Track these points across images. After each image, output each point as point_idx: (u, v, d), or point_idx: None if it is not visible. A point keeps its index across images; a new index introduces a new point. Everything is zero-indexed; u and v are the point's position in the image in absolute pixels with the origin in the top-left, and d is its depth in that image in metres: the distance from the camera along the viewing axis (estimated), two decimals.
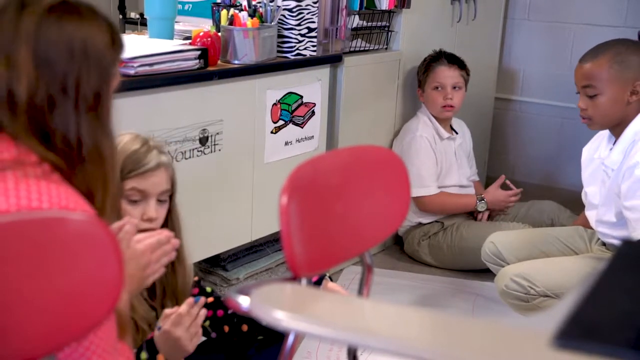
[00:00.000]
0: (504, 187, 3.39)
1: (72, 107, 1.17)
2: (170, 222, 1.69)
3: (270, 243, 3.06)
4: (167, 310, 1.54)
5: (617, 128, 2.42)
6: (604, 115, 2.40)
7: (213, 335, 1.84)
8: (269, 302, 0.92)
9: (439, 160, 3.38)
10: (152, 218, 1.62)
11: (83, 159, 1.18)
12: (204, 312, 1.57)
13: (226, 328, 1.82)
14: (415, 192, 3.22)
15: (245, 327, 1.82)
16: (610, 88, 2.37)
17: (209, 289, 1.86)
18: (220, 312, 1.82)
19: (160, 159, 1.64)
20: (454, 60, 3.36)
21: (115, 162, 1.27)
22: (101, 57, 1.20)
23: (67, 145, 1.17)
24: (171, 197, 1.69)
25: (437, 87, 3.33)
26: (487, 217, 3.40)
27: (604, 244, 2.61)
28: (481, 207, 3.34)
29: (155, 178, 1.63)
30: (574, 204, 3.38)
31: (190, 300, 1.56)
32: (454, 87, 3.34)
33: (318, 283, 1.79)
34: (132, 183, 1.60)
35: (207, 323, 1.82)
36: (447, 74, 3.33)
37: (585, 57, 2.43)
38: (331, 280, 1.87)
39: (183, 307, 1.53)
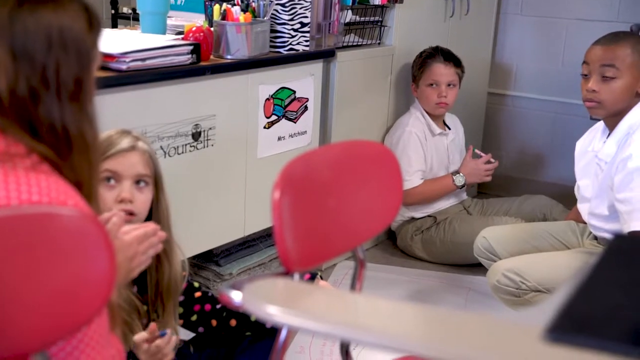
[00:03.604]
0: (476, 157, 3.42)
1: (54, 96, 1.15)
2: (155, 213, 1.68)
3: (263, 238, 3.05)
4: (137, 338, 1.55)
5: (613, 119, 2.42)
6: (615, 100, 2.38)
7: (200, 329, 1.84)
8: (261, 297, 0.92)
9: (430, 156, 3.39)
10: (126, 199, 1.60)
11: (71, 148, 1.17)
12: (174, 339, 1.59)
13: (214, 322, 1.83)
14: None
15: (233, 322, 1.82)
16: (629, 74, 2.36)
17: (196, 284, 1.86)
18: (207, 307, 1.83)
19: (135, 142, 1.64)
20: (450, 58, 3.36)
21: (98, 149, 1.26)
22: (80, 43, 1.18)
23: (54, 136, 1.16)
24: (157, 188, 1.68)
25: (432, 84, 3.34)
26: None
27: (595, 238, 2.62)
28: (459, 180, 3.35)
29: (128, 159, 1.62)
30: (566, 198, 3.39)
31: (153, 325, 1.56)
32: (449, 85, 3.35)
33: (310, 281, 1.79)
34: (105, 165, 1.59)
35: (195, 317, 1.83)
36: (442, 72, 3.33)
37: (605, 40, 2.41)
38: (322, 279, 1.87)
39: (139, 335, 1.54)
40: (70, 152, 1.17)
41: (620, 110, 2.40)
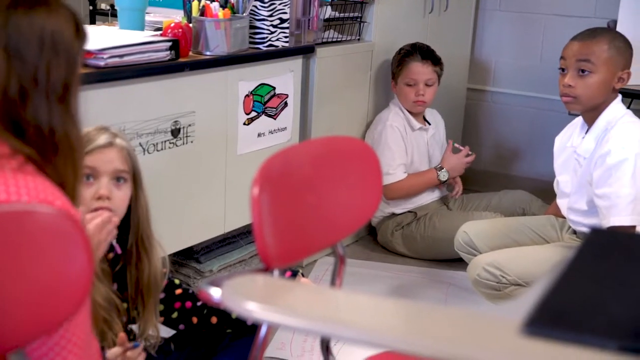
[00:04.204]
0: (456, 151, 3.45)
1: (43, 97, 1.17)
2: (134, 210, 1.67)
3: (244, 235, 3.05)
4: (110, 354, 1.54)
5: (591, 114, 2.44)
6: (591, 95, 2.39)
7: (181, 327, 1.83)
8: (240, 294, 0.92)
9: (410, 151, 3.39)
10: (103, 195, 1.59)
11: (57, 150, 1.18)
12: (143, 355, 1.58)
13: (194, 320, 1.82)
14: (383, 180, 3.22)
15: (214, 320, 1.81)
16: (605, 69, 2.37)
17: (177, 281, 1.86)
18: (188, 304, 1.82)
19: (113, 139, 1.63)
20: (428, 56, 3.36)
21: (82, 152, 1.27)
22: (69, 48, 1.20)
23: (41, 136, 1.17)
24: (136, 184, 1.68)
25: (409, 83, 3.34)
26: (460, 192, 3.47)
27: (574, 232, 2.64)
28: (443, 176, 3.37)
29: (106, 156, 1.61)
30: (545, 193, 3.41)
31: (123, 336, 1.56)
32: (427, 84, 3.35)
33: (292, 279, 1.79)
34: None
35: (175, 315, 1.82)
36: (420, 70, 3.33)
37: (583, 35, 2.42)
38: (303, 276, 1.87)
39: (113, 351, 1.53)
40: (55, 154, 1.18)
41: (596, 105, 2.42)
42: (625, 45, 2.41)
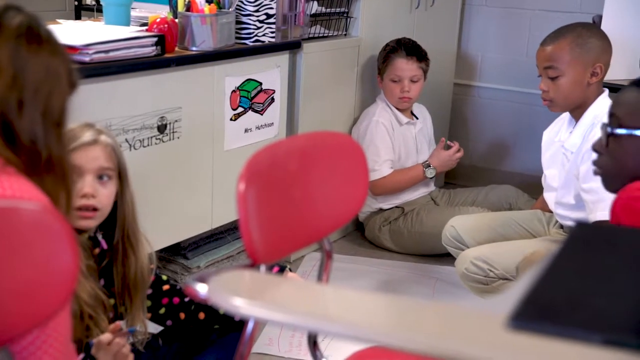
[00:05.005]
0: (447, 148, 3.44)
1: (40, 115, 1.20)
2: (120, 207, 1.67)
3: (231, 230, 3.04)
4: (103, 338, 1.54)
5: (577, 110, 2.46)
6: (565, 97, 2.43)
7: (169, 323, 1.83)
8: (227, 289, 0.91)
9: (398, 146, 3.39)
10: (88, 194, 1.58)
11: (50, 170, 1.20)
12: (128, 347, 1.58)
13: (182, 315, 1.82)
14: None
15: (202, 315, 1.81)
16: (572, 70, 2.40)
17: (164, 277, 1.85)
18: (176, 300, 1.82)
19: (97, 136, 1.62)
20: (413, 52, 3.36)
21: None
22: (65, 88, 1.25)
23: (35, 151, 1.19)
24: (121, 181, 1.67)
25: (394, 80, 3.34)
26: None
27: (561, 226, 2.65)
28: (430, 173, 3.37)
29: (91, 153, 1.60)
30: (531, 188, 3.42)
31: (117, 325, 1.56)
32: (412, 80, 3.35)
33: (279, 274, 1.79)
34: None
35: (163, 311, 1.82)
36: (404, 67, 3.33)
37: (547, 40, 2.46)
38: (291, 271, 1.87)
39: (106, 336, 1.53)
40: (47, 172, 1.21)
41: (577, 103, 2.44)
42: (593, 40, 2.41)
